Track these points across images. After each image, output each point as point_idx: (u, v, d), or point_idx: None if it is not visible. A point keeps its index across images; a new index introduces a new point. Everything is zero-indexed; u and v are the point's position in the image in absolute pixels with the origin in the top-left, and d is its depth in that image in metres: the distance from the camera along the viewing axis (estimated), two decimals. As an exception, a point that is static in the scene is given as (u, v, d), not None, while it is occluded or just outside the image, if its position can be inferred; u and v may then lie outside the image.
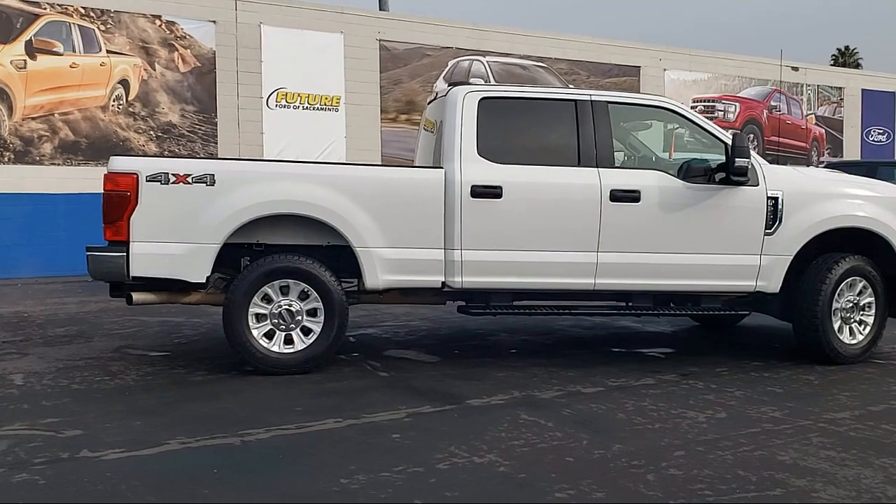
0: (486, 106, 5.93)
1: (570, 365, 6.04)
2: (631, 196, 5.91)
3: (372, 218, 5.67)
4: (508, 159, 5.88)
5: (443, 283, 5.82)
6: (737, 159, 5.75)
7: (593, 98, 6.09)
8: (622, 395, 5.20)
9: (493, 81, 16.28)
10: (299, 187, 5.65)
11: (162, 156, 13.17)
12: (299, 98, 14.44)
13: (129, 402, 4.99)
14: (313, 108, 14.58)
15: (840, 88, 21.61)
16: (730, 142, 6.00)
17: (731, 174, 5.81)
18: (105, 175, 5.51)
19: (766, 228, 6.05)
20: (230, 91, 13.87)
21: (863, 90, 21.99)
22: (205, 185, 5.52)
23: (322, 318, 5.71)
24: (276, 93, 14.24)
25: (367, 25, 15.09)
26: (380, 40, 15.23)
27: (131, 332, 7.45)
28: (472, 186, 5.74)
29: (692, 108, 19.50)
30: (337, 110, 14.80)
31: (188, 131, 13.62)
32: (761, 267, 6.06)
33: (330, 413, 4.74)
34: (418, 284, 5.84)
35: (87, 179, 12.88)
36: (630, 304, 6.20)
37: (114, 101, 13.09)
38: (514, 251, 5.85)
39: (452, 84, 6.20)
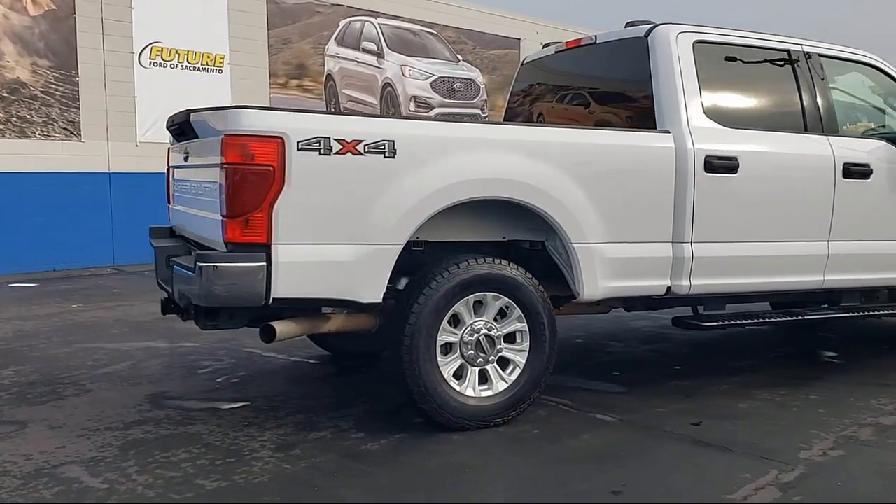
0: (702, 52, 4.52)
1: (791, 384, 4.85)
2: (862, 171, 4.81)
3: (592, 202, 4.08)
4: (738, 123, 4.52)
5: (668, 288, 4.36)
6: None
7: (804, 48, 4.89)
8: (937, 425, 4.09)
9: (384, 45, 14.61)
10: (508, 161, 3.90)
11: (9, 122, 10.22)
12: (177, 55, 11.90)
13: (342, 505, 3.07)
14: (193, 68, 12.10)
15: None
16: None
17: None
18: (226, 139, 3.43)
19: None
20: (94, 43, 11.05)
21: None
22: (382, 156, 3.62)
23: (527, 345, 4.04)
24: (149, 48, 11.61)
25: (254, -27, 12.75)
26: (267, -9, 12.96)
27: (125, 368, 5.20)
28: (707, 158, 4.32)
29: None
30: (221, 72, 12.41)
31: (42, 92, 10.66)
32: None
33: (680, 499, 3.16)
34: (642, 291, 4.32)
35: None
36: (841, 304, 5.10)
37: (-60, 48, 9.88)
38: (746, 243, 4.53)
39: (636, 23, 4.69)
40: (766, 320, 4.77)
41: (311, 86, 13.65)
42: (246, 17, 12.65)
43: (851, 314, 5.03)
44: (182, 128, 4.06)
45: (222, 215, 3.45)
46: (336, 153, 3.53)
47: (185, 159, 4.18)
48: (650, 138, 4.29)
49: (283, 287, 3.49)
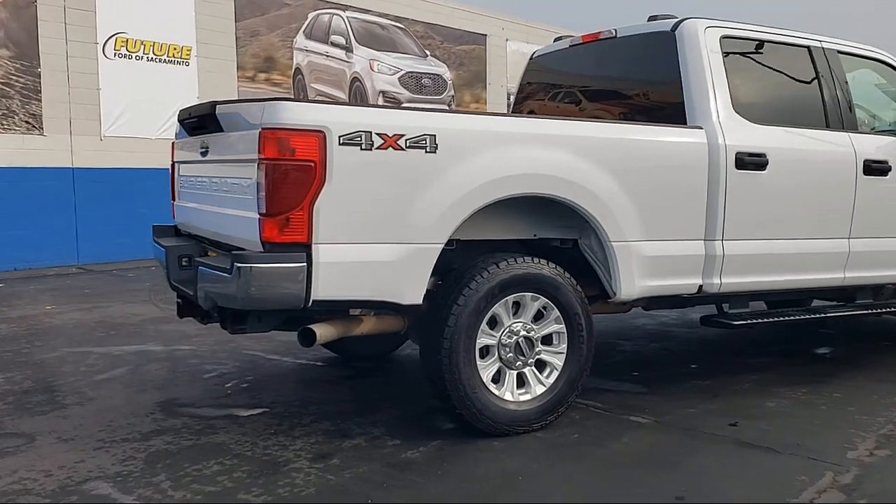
0: (728, 46, 4.46)
1: (810, 381, 4.84)
2: (881, 168, 4.82)
3: (630, 199, 3.98)
4: (765, 119, 4.48)
5: (700, 286, 4.29)
6: None
7: (824, 45, 4.88)
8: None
9: (353, 39, 14.37)
10: (551, 156, 3.77)
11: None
12: (143, 47, 11.50)
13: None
14: (160, 60, 11.71)
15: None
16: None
17: None
18: (265, 133, 3.23)
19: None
20: (57, 33, 10.61)
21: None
22: (423, 151, 3.47)
23: (564, 346, 3.93)
24: (114, 38, 11.19)
25: (221, -37, 12.39)
26: (235, -18, 12.61)
27: (124, 374, 4.94)
28: (737, 154, 4.26)
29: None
30: (187, 64, 12.03)
31: (2, 83, 10.21)
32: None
33: None
34: (675, 290, 4.24)
35: None
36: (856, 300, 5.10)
37: None
38: (773, 240, 4.49)
39: (658, 17, 4.62)
40: (791, 318, 4.73)
41: (279, 79, 13.34)
42: (213, 7, 12.30)
43: (869, 311, 5.04)
44: (202, 121, 3.84)
45: (260, 213, 3.25)
46: (377, 148, 3.36)
47: (204, 154, 3.96)
48: (685, 134, 4.21)
49: (324, 289, 3.31)
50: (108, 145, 11.14)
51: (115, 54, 11.19)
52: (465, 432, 3.77)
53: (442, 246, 3.53)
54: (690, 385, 4.76)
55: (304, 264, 3.26)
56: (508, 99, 17.91)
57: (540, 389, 3.87)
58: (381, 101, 14.71)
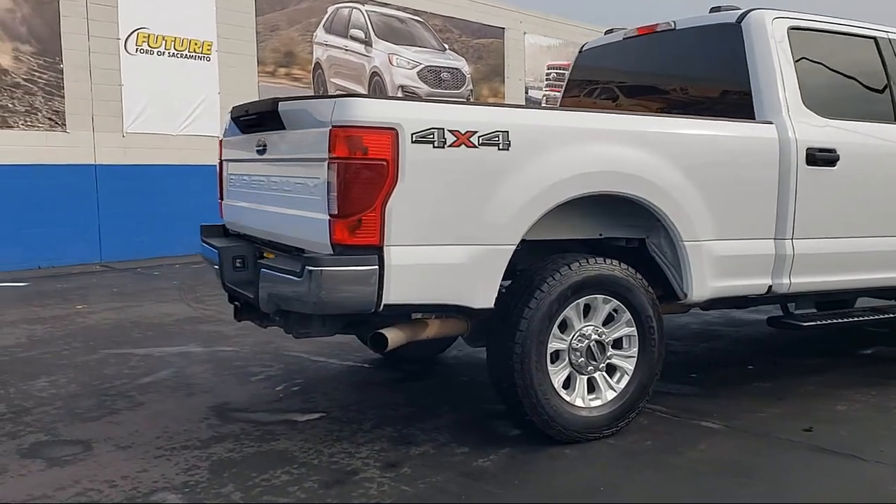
0: (796, 38, 4.31)
1: (874, 383, 4.70)
2: (948, 164, 4.65)
3: (703, 197, 3.85)
4: (834, 113, 4.33)
5: (769, 287, 4.16)
6: None
7: (890, 35, 4.73)
8: None
9: (372, 33, 14.22)
10: (625, 153, 3.64)
11: (-9, 112, 9.63)
12: (164, 42, 11.36)
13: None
14: (181, 56, 11.57)
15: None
16: None
17: None
18: (336, 130, 3.10)
19: None
20: (79, 28, 10.48)
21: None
22: (496, 148, 3.34)
23: (635, 350, 3.80)
24: (136, 34, 11.05)
25: (241, -44, 12.25)
26: (255, -24, 12.47)
27: (168, 376, 4.82)
28: (808, 150, 4.12)
29: (546, 75, 18.80)
30: (208, 59, 11.89)
31: (25, 79, 10.07)
32: None
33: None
34: (744, 291, 4.11)
35: None
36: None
37: (-84, 32, 9.25)
38: (843, 239, 4.35)
39: (721, 8, 4.47)
40: (861, 318, 4.59)
41: (299, 74, 13.20)
42: (233, 2, 12.16)
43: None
44: (262, 118, 3.71)
45: (331, 215, 3.13)
46: (450, 146, 3.24)
47: (261, 153, 3.83)
48: (756, 129, 4.06)
49: (396, 292, 3.19)
50: (131, 142, 11.03)
51: (136, 50, 11.05)
52: (533, 439, 3.65)
53: (514, 247, 3.41)
54: (752, 387, 4.62)
55: (377, 267, 3.14)
56: (527, 93, 17.78)
57: (611, 395, 3.74)
58: (399, 95, 14.57)
